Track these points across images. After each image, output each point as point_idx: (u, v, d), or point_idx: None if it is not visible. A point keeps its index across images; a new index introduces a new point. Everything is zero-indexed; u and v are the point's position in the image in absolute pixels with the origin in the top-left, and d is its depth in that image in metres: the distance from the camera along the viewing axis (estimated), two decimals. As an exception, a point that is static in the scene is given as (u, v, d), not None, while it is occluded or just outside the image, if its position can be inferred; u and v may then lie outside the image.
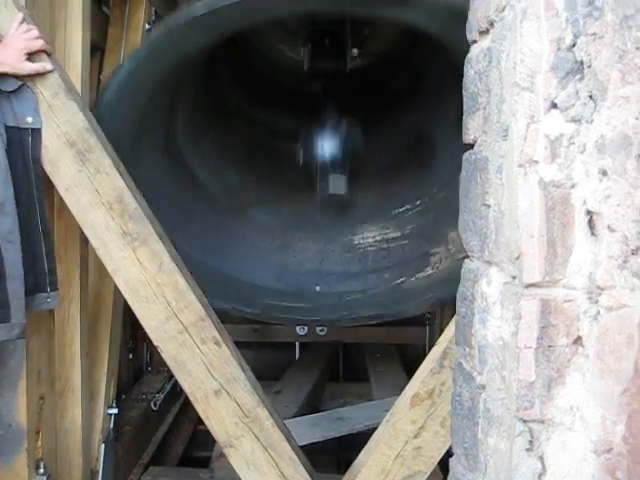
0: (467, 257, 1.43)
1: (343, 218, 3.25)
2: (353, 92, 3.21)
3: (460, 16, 1.46)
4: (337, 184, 2.46)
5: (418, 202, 3.36)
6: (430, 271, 3.19)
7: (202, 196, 3.23)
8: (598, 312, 0.99)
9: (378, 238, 3.38)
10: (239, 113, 3.54)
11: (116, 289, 2.53)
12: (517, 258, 1.09)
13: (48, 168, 2.08)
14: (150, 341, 2.21)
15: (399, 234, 3.37)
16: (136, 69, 2.41)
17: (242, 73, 3.58)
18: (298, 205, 3.37)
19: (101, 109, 2.40)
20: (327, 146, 2.66)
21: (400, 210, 3.40)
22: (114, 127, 2.31)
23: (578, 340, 1.02)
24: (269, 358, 4.89)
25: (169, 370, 2.26)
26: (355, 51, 2.98)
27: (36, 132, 2.06)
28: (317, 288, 3.27)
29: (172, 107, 2.91)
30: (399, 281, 3.23)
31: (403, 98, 3.50)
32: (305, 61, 2.99)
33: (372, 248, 3.33)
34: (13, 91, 2.01)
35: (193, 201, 3.17)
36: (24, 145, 2.05)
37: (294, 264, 3.24)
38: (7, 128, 2.01)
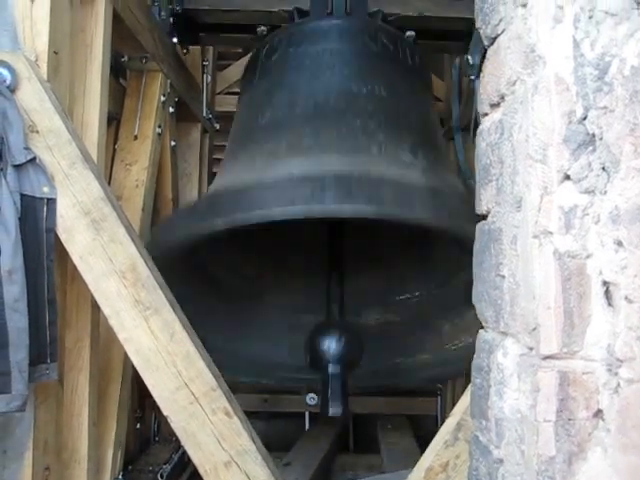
0: (482, 328, 1.42)
1: (347, 302, 3.38)
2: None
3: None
4: (335, 410, 2.76)
5: (417, 293, 3.55)
6: (425, 356, 3.39)
7: (221, 293, 3.38)
8: (618, 384, 0.97)
9: (380, 321, 3.55)
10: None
11: (125, 358, 2.51)
12: (534, 329, 1.08)
13: (63, 236, 2.09)
14: (158, 410, 2.18)
15: (398, 319, 3.55)
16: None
17: None
18: (308, 290, 3.52)
19: None
20: (330, 357, 2.88)
21: (400, 298, 3.59)
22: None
23: (598, 413, 1.00)
24: (278, 428, 4.81)
25: (177, 440, 2.23)
26: None
27: (51, 202, 2.08)
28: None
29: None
30: (397, 361, 3.45)
31: None
32: None
33: (373, 330, 3.48)
34: (29, 161, 2.05)
35: (214, 301, 3.31)
36: (38, 214, 2.07)
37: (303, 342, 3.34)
38: (22, 196, 2.03)
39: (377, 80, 2.90)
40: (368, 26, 3.15)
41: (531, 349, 1.10)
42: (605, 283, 1.01)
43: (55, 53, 2.13)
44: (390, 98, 2.89)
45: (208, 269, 3.28)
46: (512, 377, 1.19)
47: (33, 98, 2.04)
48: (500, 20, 1.30)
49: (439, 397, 4.65)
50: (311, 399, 4.90)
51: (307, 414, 4.89)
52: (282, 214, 2.32)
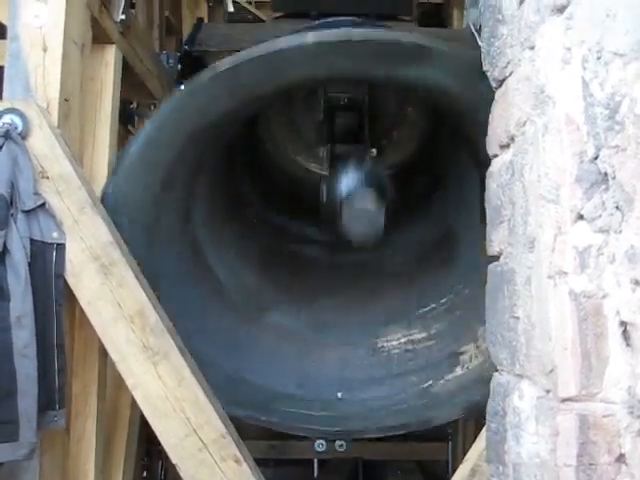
0: (496, 371, 1.40)
1: (365, 321, 3.29)
2: None
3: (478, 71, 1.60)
4: (363, 199, 2.12)
5: (444, 300, 3.26)
6: (460, 371, 3.01)
7: (219, 293, 3.19)
8: (641, 428, 0.95)
9: (403, 340, 3.27)
10: (257, 216, 3.58)
11: (133, 404, 2.48)
12: (551, 371, 1.07)
13: (71, 281, 2.09)
14: (166, 458, 2.14)
15: (425, 334, 3.24)
16: (159, 129, 2.39)
17: (261, 181, 3.66)
18: (318, 309, 3.39)
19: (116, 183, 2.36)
20: (350, 179, 2.53)
21: (425, 309, 3.30)
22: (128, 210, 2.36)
23: (621, 458, 0.98)
24: (287, 476, 4.73)
25: (184, 489, 2.18)
26: (374, 150, 3.04)
27: (60, 247, 2.08)
28: (339, 395, 3.11)
29: (190, 195, 2.90)
30: (427, 385, 3.05)
31: (425, 196, 3.56)
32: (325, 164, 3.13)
33: (397, 351, 3.24)
34: (39, 207, 2.06)
35: (209, 296, 3.12)
36: (47, 259, 2.07)
37: (314, 370, 3.16)
38: (32, 241, 2.04)
39: None
40: None
41: (548, 391, 1.08)
42: (622, 323, 1.00)
43: (66, 100, 2.16)
44: None
45: (208, 261, 3.19)
46: (529, 420, 1.17)
47: (44, 144, 2.05)
48: (508, 63, 1.31)
49: (450, 442, 4.56)
50: (319, 445, 4.81)
51: (316, 461, 4.81)
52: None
